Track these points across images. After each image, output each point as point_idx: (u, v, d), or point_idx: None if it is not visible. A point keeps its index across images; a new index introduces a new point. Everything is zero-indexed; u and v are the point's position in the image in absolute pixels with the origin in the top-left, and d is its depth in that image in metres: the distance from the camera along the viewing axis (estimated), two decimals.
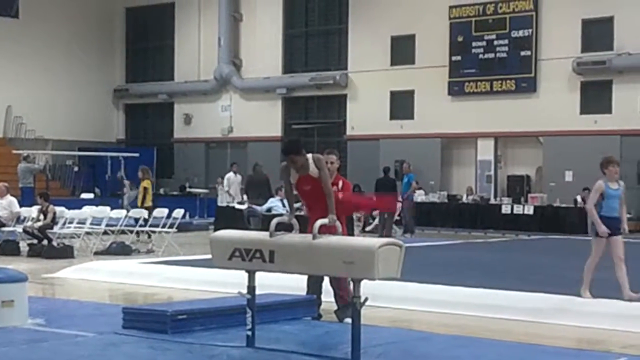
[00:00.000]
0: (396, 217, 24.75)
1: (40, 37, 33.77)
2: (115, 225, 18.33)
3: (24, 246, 17.42)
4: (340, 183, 9.08)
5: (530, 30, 27.71)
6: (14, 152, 29.00)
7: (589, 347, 8.47)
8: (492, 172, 28.82)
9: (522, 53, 27.85)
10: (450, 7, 28.95)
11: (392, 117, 30.32)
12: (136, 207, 20.42)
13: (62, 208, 18.23)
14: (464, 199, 27.52)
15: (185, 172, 34.44)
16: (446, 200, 27.56)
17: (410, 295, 10.72)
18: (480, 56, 28.53)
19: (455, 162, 29.90)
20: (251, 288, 7.30)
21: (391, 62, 30.31)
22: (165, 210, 18.47)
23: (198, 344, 7.45)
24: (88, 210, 18.68)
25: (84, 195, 28.74)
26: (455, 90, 29.03)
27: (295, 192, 8.09)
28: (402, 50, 30.03)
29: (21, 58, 33.21)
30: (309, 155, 7.62)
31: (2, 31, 32.89)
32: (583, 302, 10.15)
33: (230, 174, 27.21)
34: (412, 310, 10.46)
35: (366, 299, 6.74)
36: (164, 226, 18.12)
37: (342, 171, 21.80)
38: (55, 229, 17.40)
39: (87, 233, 17.96)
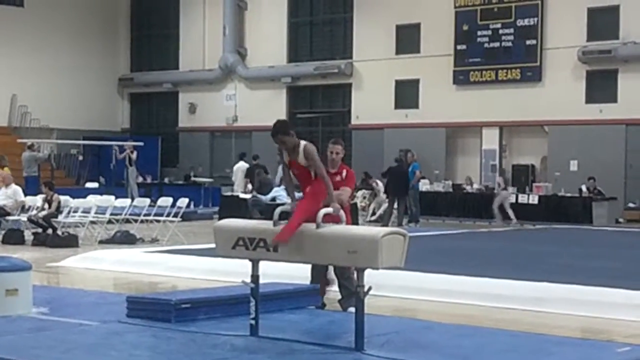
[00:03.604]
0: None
1: (45, 26, 33.77)
2: (120, 214, 18.33)
3: (28, 235, 17.44)
4: (344, 172, 9.07)
5: (535, 19, 27.65)
6: (19, 141, 29.02)
7: (592, 336, 8.47)
8: (496, 162, 28.79)
9: (528, 42, 27.79)
10: None
11: (396, 106, 30.29)
12: (142, 196, 20.40)
13: (67, 197, 18.23)
14: (469, 189, 27.48)
15: (190, 161, 34.43)
16: (451, 190, 27.53)
17: (414, 284, 10.72)
18: (486, 45, 28.47)
19: (460, 151, 29.87)
20: (255, 277, 7.30)
21: (396, 51, 30.26)
22: (170, 200, 18.48)
23: (202, 332, 7.45)
24: (93, 199, 18.68)
25: (89, 184, 28.79)
26: (460, 79, 28.99)
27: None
28: (407, 39, 29.98)
29: (26, 47, 33.21)
30: (302, 143, 7.50)
31: (7, 20, 32.89)
32: (587, 291, 10.14)
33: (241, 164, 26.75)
34: (415, 300, 10.47)
35: (370, 288, 6.74)
36: (168, 215, 18.13)
37: (347, 160, 21.79)
38: (60, 217, 17.41)
39: (92, 222, 17.98)
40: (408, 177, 23.12)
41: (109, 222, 18.14)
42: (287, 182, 7.96)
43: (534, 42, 27.70)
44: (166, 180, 32.86)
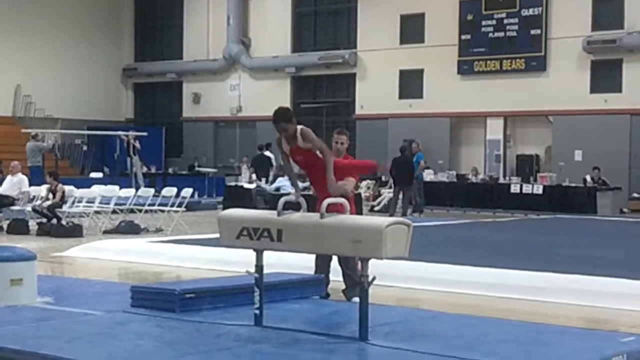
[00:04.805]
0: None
1: (49, 16, 33.76)
2: (124, 204, 18.35)
3: (33, 225, 17.46)
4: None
5: (540, 9, 27.60)
6: (23, 131, 29.04)
7: (596, 326, 8.48)
8: (501, 152, 28.78)
9: (532, 32, 27.75)
10: None
11: (401, 96, 30.27)
12: (147, 186, 20.40)
13: (71, 187, 18.24)
14: (473, 179, 27.47)
15: (194, 151, 34.47)
16: (455, 180, 27.51)
17: (418, 274, 10.73)
18: (490, 35, 28.43)
19: (464, 141, 29.86)
20: (259, 267, 7.29)
21: (400, 41, 30.23)
22: (174, 189, 18.50)
23: (206, 322, 7.46)
24: (97, 189, 18.70)
25: (93, 174, 28.81)
26: (465, 69, 28.95)
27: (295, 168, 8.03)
28: (412, 28, 29.94)
29: (30, 37, 33.21)
30: (299, 127, 7.54)
31: (11, 10, 32.88)
32: (591, 281, 10.14)
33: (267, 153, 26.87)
34: (419, 290, 10.48)
35: (374, 278, 6.74)
36: (172, 205, 18.15)
37: (351, 150, 21.77)
38: (65, 207, 17.44)
39: (96, 212, 18.00)
40: (413, 167, 23.07)
41: (114, 212, 18.16)
42: (288, 171, 7.99)
43: (538, 31, 27.65)
44: (170, 170, 32.91)
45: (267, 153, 26.49)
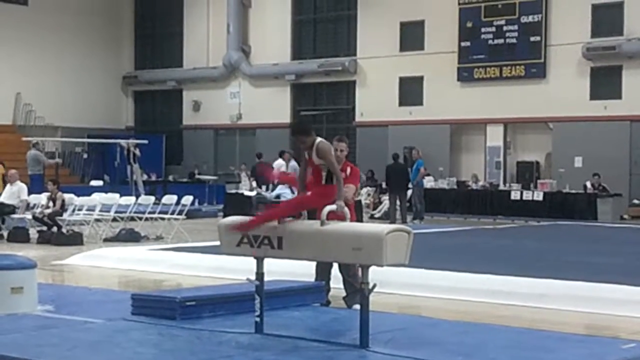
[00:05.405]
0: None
1: (49, 24, 33.78)
2: (125, 212, 18.35)
3: (33, 233, 17.46)
4: (349, 170, 9.07)
5: (539, 16, 27.61)
6: (24, 139, 29.04)
7: (596, 332, 8.47)
8: (501, 158, 28.77)
9: (532, 38, 27.76)
10: None
11: (401, 104, 30.27)
12: (148, 193, 20.36)
13: (72, 195, 18.25)
14: (473, 186, 27.45)
15: (194, 159, 34.46)
16: (455, 187, 27.49)
17: (419, 281, 10.72)
18: (490, 42, 28.44)
19: (464, 148, 29.85)
20: (260, 274, 7.30)
21: (400, 48, 30.24)
22: (174, 197, 18.49)
23: (207, 330, 7.46)
24: (97, 197, 18.70)
25: (94, 182, 28.79)
26: (465, 76, 28.96)
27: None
28: (411, 36, 29.96)
29: (30, 45, 33.23)
30: (317, 140, 7.52)
31: (11, 18, 32.91)
32: (591, 287, 10.14)
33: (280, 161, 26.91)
34: (420, 297, 10.47)
35: (374, 285, 6.74)
36: (173, 213, 18.15)
37: (351, 157, 21.78)
38: (65, 215, 17.44)
39: (97, 220, 18.00)
40: (407, 173, 23.06)
41: (114, 219, 18.16)
42: (301, 176, 7.93)
43: (538, 38, 27.67)
44: (170, 178, 32.88)
45: (279, 161, 26.47)
